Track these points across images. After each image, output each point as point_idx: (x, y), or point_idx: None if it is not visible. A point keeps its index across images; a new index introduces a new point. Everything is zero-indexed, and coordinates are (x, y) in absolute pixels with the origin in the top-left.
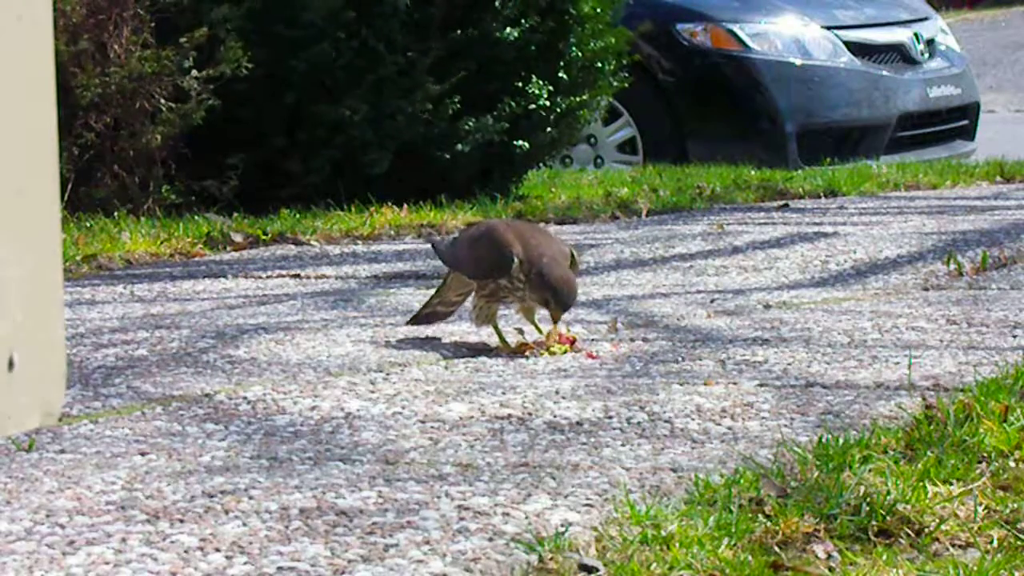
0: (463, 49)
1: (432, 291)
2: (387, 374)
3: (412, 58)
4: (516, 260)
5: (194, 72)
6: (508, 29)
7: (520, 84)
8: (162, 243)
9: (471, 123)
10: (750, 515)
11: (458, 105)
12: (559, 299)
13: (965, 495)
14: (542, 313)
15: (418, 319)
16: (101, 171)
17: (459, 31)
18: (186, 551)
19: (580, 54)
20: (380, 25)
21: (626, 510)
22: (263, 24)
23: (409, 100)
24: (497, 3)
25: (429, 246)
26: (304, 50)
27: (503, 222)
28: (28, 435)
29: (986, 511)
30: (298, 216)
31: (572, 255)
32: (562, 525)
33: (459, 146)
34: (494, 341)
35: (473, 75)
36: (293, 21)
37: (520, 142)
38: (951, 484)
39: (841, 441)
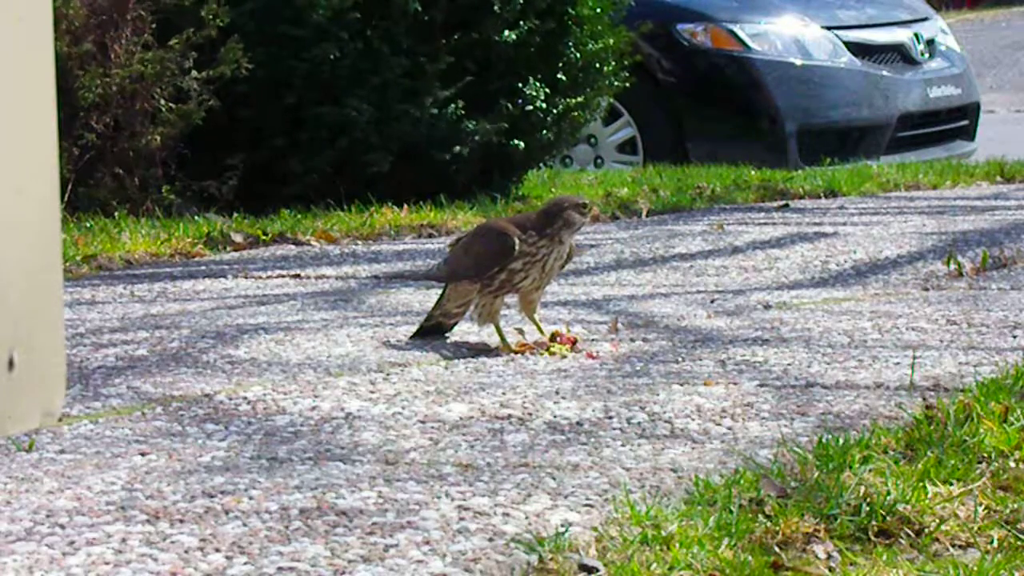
0: (464, 52)
1: (433, 300)
2: (387, 374)
3: (420, 62)
4: (516, 240)
5: (194, 73)
6: (507, 32)
7: (519, 85)
8: (162, 243)
9: (471, 125)
10: (750, 515)
11: (463, 110)
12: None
13: (965, 495)
14: (544, 316)
15: (422, 332)
16: (101, 171)
17: (460, 34)
18: (186, 551)
19: (579, 55)
20: (386, 27)
21: (626, 510)
22: (264, 24)
23: (415, 103)
24: (496, 7)
25: (429, 246)
26: (307, 50)
27: (491, 220)
28: (28, 435)
29: (986, 511)
30: (298, 216)
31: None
32: (562, 525)
33: (457, 148)
34: (494, 341)
35: (473, 76)
36: (298, 21)
37: (518, 143)
38: (951, 484)
39: (841, 441)
